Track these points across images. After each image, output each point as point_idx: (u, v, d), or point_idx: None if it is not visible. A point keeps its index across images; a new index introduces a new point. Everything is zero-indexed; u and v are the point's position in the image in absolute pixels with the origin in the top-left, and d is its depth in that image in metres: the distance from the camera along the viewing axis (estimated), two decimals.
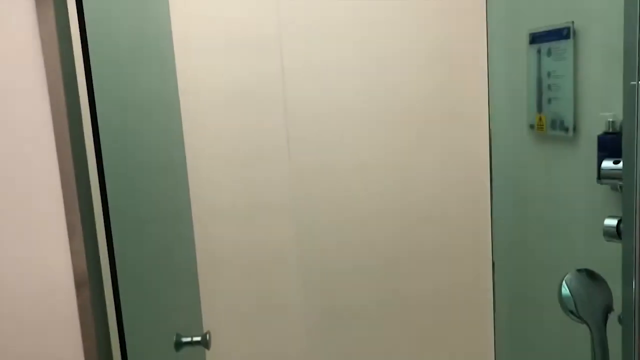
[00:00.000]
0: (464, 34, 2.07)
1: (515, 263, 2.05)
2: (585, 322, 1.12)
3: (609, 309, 1.12)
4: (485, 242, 2.24)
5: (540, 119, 1.74)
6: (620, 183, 1.21)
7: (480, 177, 2.15)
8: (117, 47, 1.24)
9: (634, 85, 0.96)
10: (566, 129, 1.62)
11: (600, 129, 1.45)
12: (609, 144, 1.39)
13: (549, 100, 1.69)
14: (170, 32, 1.74)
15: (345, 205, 2.15)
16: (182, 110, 1.80)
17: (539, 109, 1.74)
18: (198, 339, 1.50)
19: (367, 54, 2.08)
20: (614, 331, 1.15)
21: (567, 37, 1.58)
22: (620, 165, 1.17)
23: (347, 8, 2.04)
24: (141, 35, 1.43)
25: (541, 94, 1.73)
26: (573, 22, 1.56)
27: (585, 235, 1.56)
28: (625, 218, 1.02)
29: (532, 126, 1.79)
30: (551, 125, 1.69)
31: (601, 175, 1.17)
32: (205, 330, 1.53)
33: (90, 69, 1.00)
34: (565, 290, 1.13)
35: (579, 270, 1.15)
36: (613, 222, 1.12)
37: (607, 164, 1.15)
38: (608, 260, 1.33)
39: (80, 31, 1.00)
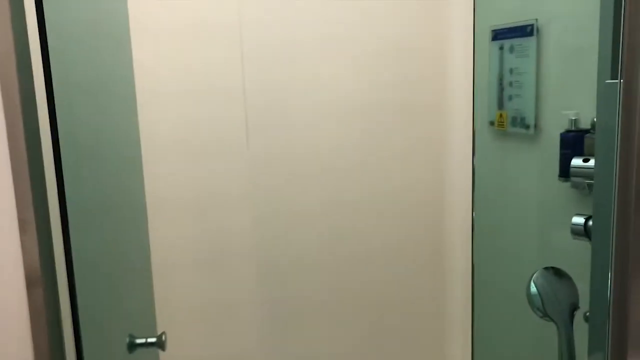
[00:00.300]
0: (427, 30, 2.07)
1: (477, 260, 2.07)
2: (552, 320, 1.13)
3: (575, 307, 1.12)
4: (441, 237, 2.25)
5: (500, 115, 1.75)
6: (588, 181, 1.22)
7: (440, 174, 2.15)
8: (72, 36, 1.16)
9: (610, 83, 0.96)
10: (527, 126, 1.63)
11: (562, 126, 1.46)
12: (571, 142, 1.40)
13: (510, 97, 1.70)
14: (127, 21, 1.65)
15: (305, 199, 2.11)
16: (138, 100, 1.72)
17: (500, 105, 1.75)
18: (153, 340, 1.44)
19: (329, 49, 2.04)
20: (579, 329, 1.16)
21: (530, 34, 1.59)
22: (590, 163, 1.19)
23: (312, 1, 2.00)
24: (96, 23, 1.35)
25: (502, 91, 1.73)
26: (537, 19, 1.57)
27: (546, 232, 1.58)
28: (595, 217, 1.02)
29: (492, 123, 1.80)
30: (512, 122, 1.69)
31: (570, 174, 1.17)
32: (160, 331, 1.46)
33: (48, 55, 0.92)
34: (533, 289, 1.13)
35: (545, 269, 1.16)
36: (580, 220, 1.13)
37: (577, 162, 1.15)
38: (570, 257, 1.34)
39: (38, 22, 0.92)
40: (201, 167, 2.00)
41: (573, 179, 1.17)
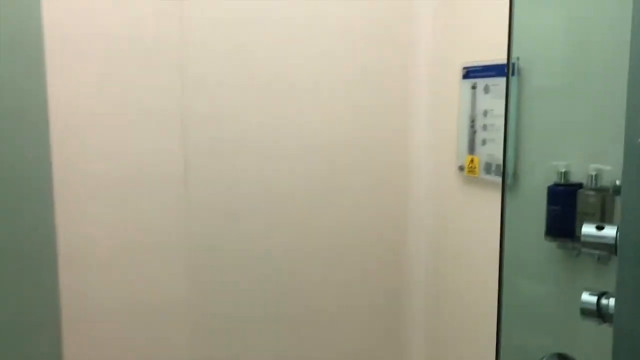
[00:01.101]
0: (392, 65, 1.89)
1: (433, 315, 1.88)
2: None
3: None
4: (401, 278, 2.06)
5: (472, 160, 1.58)
6: (599, 252, 1.05)
7: (403, 215, 1.97)
8: None
9: None
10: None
11: (545, 177, 1.30)
12: (561, 197, 1.24)
13: (484, 141, 1.54)
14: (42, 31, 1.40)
15: (249, 244, 1.86)
16: (53, 123, 1.45)
17: (471, 149, 1.59)
18: None
19: (285, 80, 1.83)
20: None
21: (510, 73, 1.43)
22: (606, 232, 1.01)
23: (264, 32, 1.79)
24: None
25: (474, 134, 1.57)
26: (518, 57, 1.42)
27: (533, 301, 1.40)
28: (619, 297, 0.85)
29: (461, 168, 1.63)
30: (485, 168, 1.53)
31: (582, 243, 0.99)
32: None
33: None
34: None
35: (551, 356, 0.97)
36: (592, 298, 0.95)
37: (589, 230, 0.97)
38: (565, 334, 1.18)
39: None
40: (128, 208, 1.71)
41: (584, 249, 0.99)
